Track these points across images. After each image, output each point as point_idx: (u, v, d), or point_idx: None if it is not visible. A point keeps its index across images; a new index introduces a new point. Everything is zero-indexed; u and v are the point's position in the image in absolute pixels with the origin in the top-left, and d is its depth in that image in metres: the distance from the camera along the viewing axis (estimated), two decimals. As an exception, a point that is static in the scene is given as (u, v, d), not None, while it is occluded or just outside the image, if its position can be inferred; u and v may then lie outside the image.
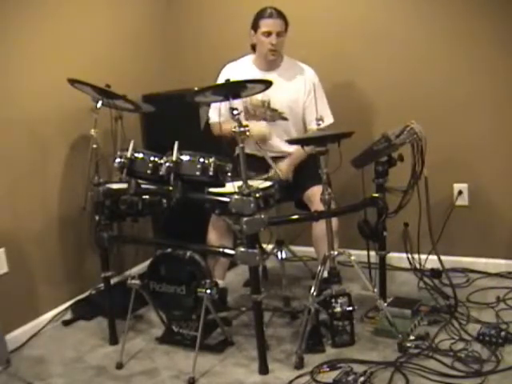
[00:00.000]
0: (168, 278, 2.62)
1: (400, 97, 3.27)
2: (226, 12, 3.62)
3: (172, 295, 2.61)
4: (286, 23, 2.92)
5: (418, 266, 3.06)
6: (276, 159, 2.89)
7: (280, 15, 2.89)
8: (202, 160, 2.48)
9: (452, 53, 3.14)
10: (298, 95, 2.98)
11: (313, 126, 2.70)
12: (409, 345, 2.45)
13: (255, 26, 2.92)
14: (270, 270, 3.41)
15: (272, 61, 2.96)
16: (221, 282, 2.86)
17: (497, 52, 3.04)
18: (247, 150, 2.39)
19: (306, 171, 2.88)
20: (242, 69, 3.01)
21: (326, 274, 2.58)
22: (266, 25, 2.88)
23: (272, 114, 2.98)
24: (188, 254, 2.59)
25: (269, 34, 2.88)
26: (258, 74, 2.96)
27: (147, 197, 2.64)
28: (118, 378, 2.50)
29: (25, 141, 2.88)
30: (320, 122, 2.52)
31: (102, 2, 3.35)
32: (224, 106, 2.54)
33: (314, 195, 2.76)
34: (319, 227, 2.75)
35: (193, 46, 3.78)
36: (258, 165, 2.66)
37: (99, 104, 2.67)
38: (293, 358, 2.46)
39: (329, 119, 2.95)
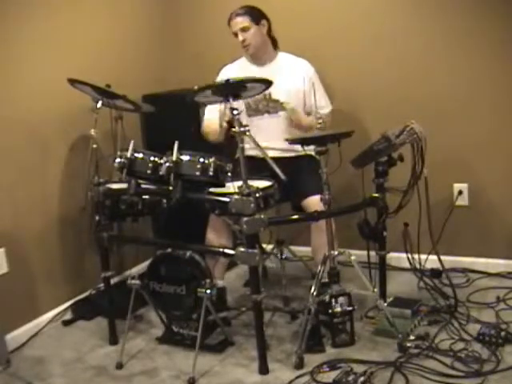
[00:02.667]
0: (168, 278, 2.62)
1: (400, 97, 3.27)
2: (226, 12, 3.61)
3: (172, 295, 2.61)
4: (251, 16, 2.97)
5: (418, 265, 3.06)
6: (276, 160, 2.88)
7: (239, 13, 2.98)
8: (202, 160, 2.48)
9: (452, 53, 3.14)
10: (298, 84, 3.03)
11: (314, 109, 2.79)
12: (409, 345, 2.45)
13: None
14: (270, 270, 3.41)
15: (263, 55, 3.05)
16: (220, 282, 2.86)
17: (497, 52, 3.04)
18: (247, 152, 2.39)
19: (307, 178, 2.87)
20: (238, 68, 3.10)
21: (325, 279, 2.58)
22: (231, 28, 3.01)
23: (274, 106, 3.02)
24: (188, 254, 2.59)
25: (236, 34, 2.99)
26: (254, 69, 3.04)
27: (147, 197, 2.64)
28: (118, 378, 2.50)
29: (25, 141, 2.88)
30: (320, 121, 2.53)
31: (102, 3, 3.35)
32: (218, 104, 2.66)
33: (313, 205, 2.74)
34: (318, 236, 2.77)
35: (193, 46, 3.78)
36: (259, 166, 2.66)
37: (99, 104, 2.66)
38: (293, 358, 2.46)
39: (329, 107, 3.09)
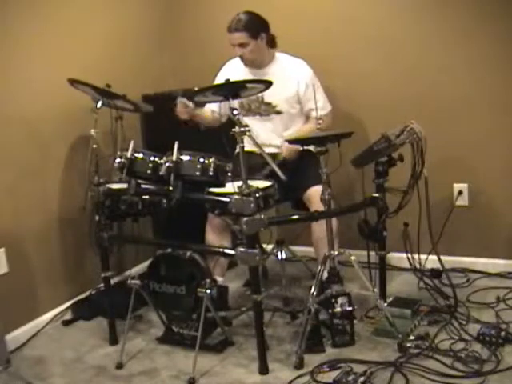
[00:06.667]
0: (168, 278, 2.62)
1: (400, 97, 3.27)
2: (226, 11, 3.61)
3: (172, 295, 2.61)
4: (249, 31, 2.87)
5: (418, 266, 3.06)
6: (273, 155, 2.88)
7: (238, 27, 2.87)
8: (202, 160, 2.48)
9: (452, 53, 3.14)
10: (292, 88, 2.98)
11: (314, 114, 2.76)
12: (409, 345, 2.45)
13: None
14: (270, 270, 3.41)
15: (260, 62, 3.00)
16: (221, 280, 2.85)
17: (496, 52, 3.04)
18: (246, 147, 2.39)
19: (306, 171, 2.88)
20: (235, 67, 3.08)
21: (326, 275, 2.59)
22: (228, 38, 2.92)
23: (266, 109, 3.01)
24: (188, 254, 2.59)
25: (233, 46, 2.92)
26: (247, 73, 3.02)
27: (147, 197, 2.64)
28: (118, 378, 2.50)
29: (25, 141, 2.88)
30: (320, 121, 2.53)
31: (102, 2, 3.35)
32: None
33: (314, 196, 2.76)
34: (319, 229, 2.76)
35: (193, 46, 3.78)
36: (257, 161, 2.66)
37: (99, 104, 2.67)
38: (293, 358, 2.46)
39: (327, 108, 3.03)
